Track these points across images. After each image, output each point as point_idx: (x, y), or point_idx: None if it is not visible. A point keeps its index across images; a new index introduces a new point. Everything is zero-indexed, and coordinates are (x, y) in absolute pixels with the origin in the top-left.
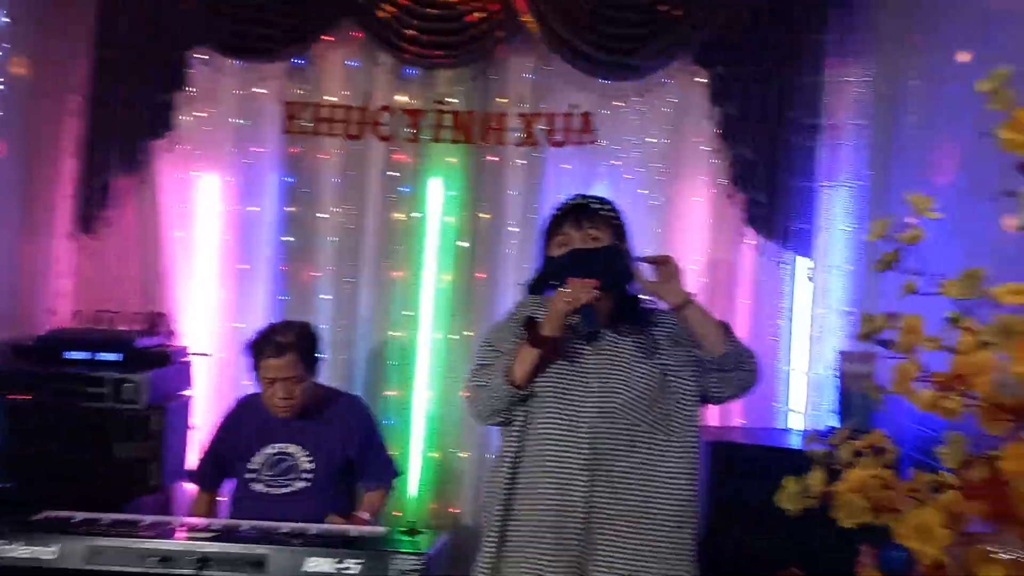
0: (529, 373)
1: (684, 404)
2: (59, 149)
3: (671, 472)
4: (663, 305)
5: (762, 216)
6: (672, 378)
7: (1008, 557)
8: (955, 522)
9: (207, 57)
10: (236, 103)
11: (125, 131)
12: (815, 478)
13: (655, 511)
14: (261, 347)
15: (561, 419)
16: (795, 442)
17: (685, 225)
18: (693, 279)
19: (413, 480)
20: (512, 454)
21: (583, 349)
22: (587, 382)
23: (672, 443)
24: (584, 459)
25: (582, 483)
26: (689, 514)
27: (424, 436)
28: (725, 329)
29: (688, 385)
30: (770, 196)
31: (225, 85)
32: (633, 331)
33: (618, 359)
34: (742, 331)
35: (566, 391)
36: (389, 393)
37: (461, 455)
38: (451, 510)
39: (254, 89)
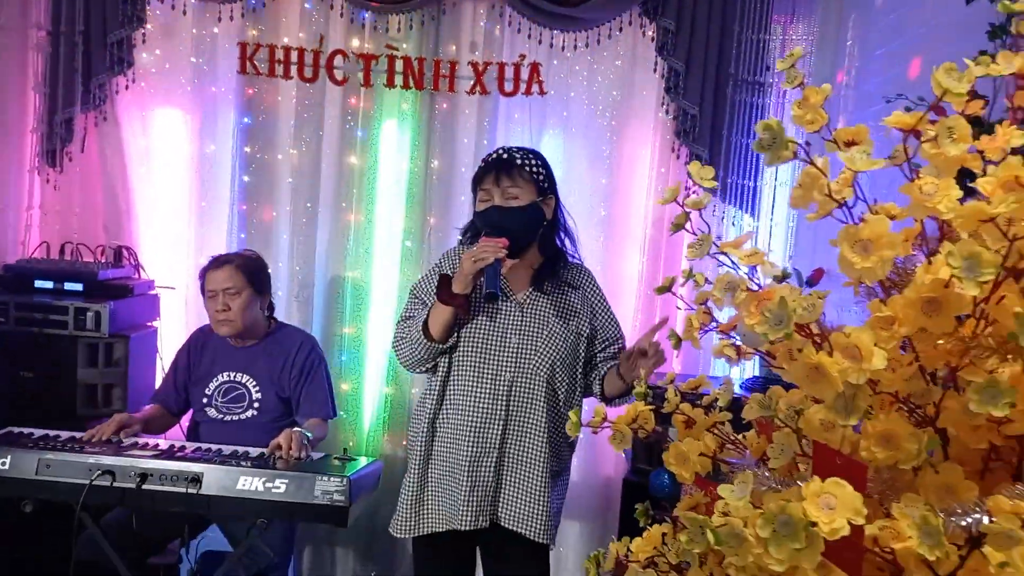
0: (444, 329)
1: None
2: (24, 83)
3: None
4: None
5: None
6: (581, 344)
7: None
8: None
9: None
10: (193, 42)
11: (86, 66)
12: (597, 411)
13: (555, 460)
14: (207, 267)
15: (482, 371)
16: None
17: (631, 177)
18: (639, 231)
19: (368, 414)
20: (435, 399)
21: (505, 304)
22: (508, 337)
23: (575, 401)
24: (501, 409)
25: (497, 431)
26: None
27: (379, 372)
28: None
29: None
30: (711, 151)
31: (182, 23)
32: (555, 291)
33: (538, 317)
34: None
35: (488, 344)
36: (346, 331)
37: (414, 391)
38: (404, 443)
39: (213, 29)
